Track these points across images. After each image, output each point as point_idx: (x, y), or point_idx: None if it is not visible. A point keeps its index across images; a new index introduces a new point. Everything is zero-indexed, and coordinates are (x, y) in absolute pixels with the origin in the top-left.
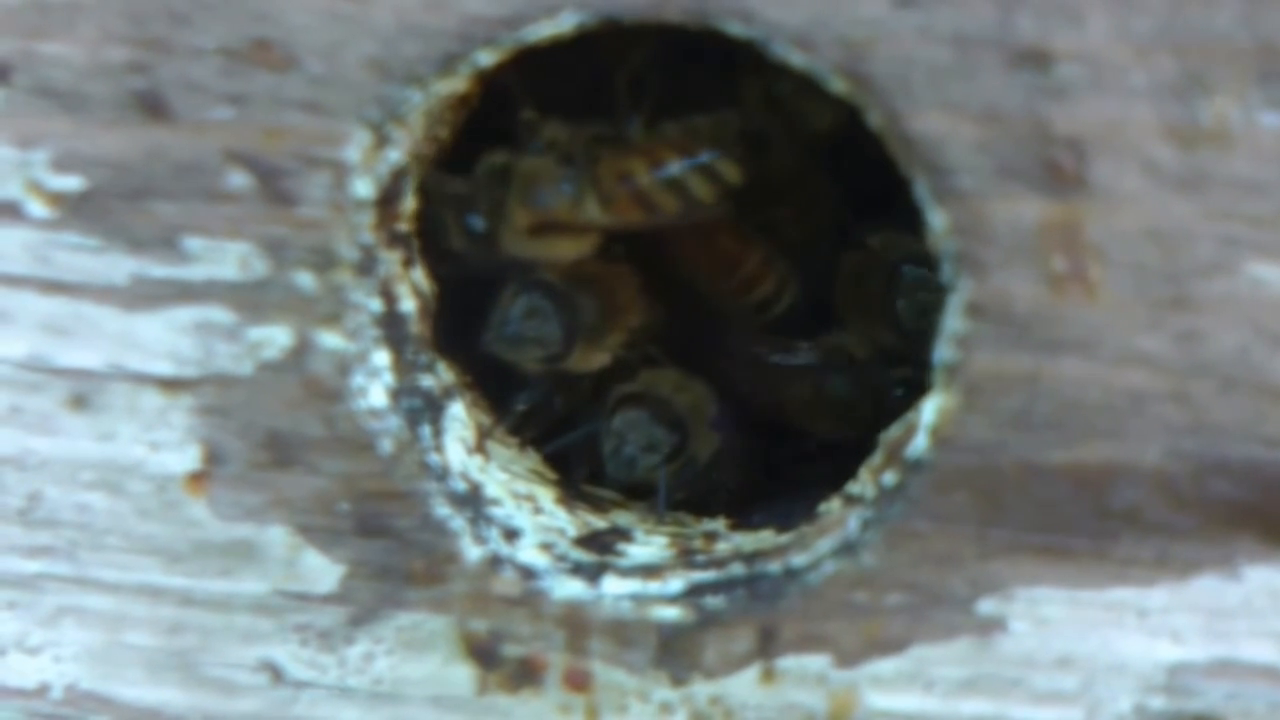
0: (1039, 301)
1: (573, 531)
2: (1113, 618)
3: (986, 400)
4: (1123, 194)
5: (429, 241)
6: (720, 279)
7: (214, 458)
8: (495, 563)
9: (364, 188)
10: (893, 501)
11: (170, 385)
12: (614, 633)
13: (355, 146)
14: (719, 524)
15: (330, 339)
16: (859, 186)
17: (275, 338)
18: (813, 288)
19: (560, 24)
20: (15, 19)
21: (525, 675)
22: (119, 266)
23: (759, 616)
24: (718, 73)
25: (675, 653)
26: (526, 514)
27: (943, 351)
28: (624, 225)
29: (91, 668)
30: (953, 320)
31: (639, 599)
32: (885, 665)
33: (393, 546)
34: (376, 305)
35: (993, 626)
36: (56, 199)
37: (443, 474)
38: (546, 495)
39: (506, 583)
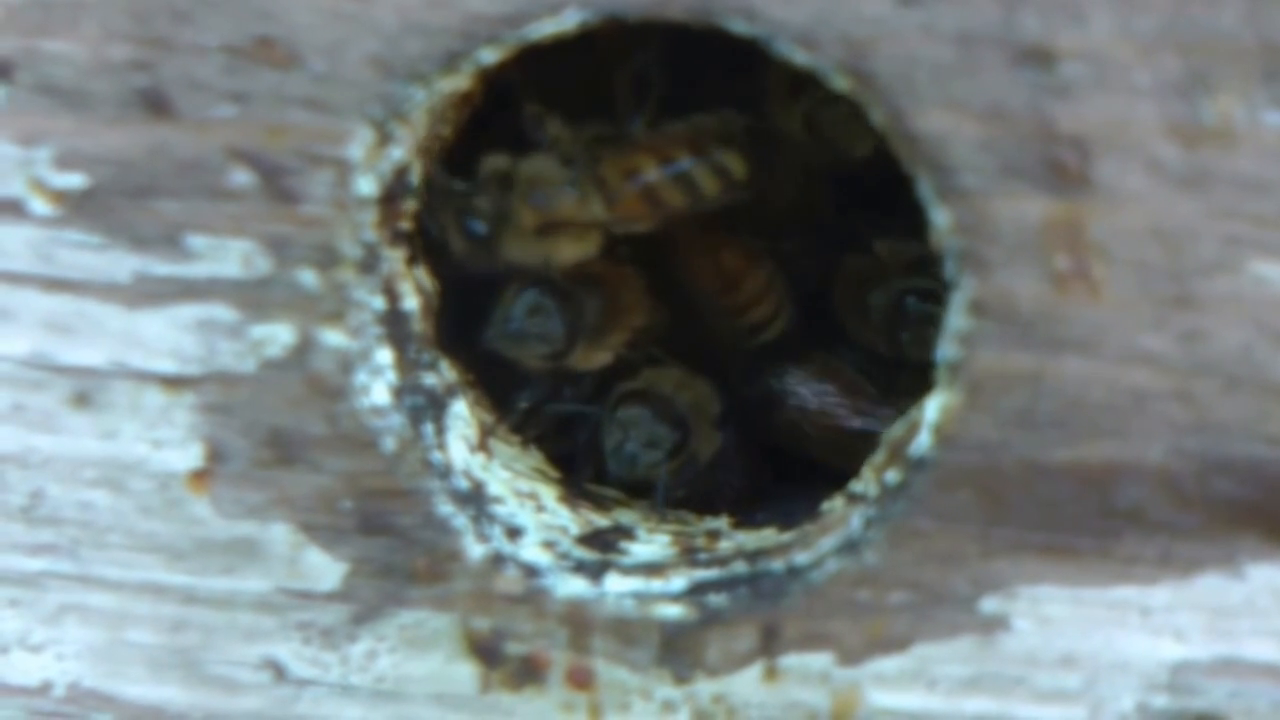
0: (1042, 300)
1: (575, 530)
2: (1116, 616)
3: (990, 399)
4: (1126, 192)
5: (429, 240)
6: (720, 296)
7: (216, 455)
8: (498, 561)
9: (367, 185)
10: (896, 500)
11: (173, 383)
12: (617, 631)
13: (358, 144)
14: (722, 522)
15: (333, 337)
16: (858, 186)
17: (278, 335)
18: (810, 290)
19: (563, 22)
20: (18, 17)
21: (528, 673)
22: (122, 264)
23: (762, 615)
24: (718, 74)
25: (678, 651)
26: (529, 512)
27: (946, 349)
28: (629, 222)
29: (94, 666)
30: (956, 318)
31: (642, 597)
32: (888, 664)
33: (395, 544)
34: (379, 303)
35: (996, 625)
36: (59, 197)
37: (445, 472)
38: (549, 493)
39: (509, 581)
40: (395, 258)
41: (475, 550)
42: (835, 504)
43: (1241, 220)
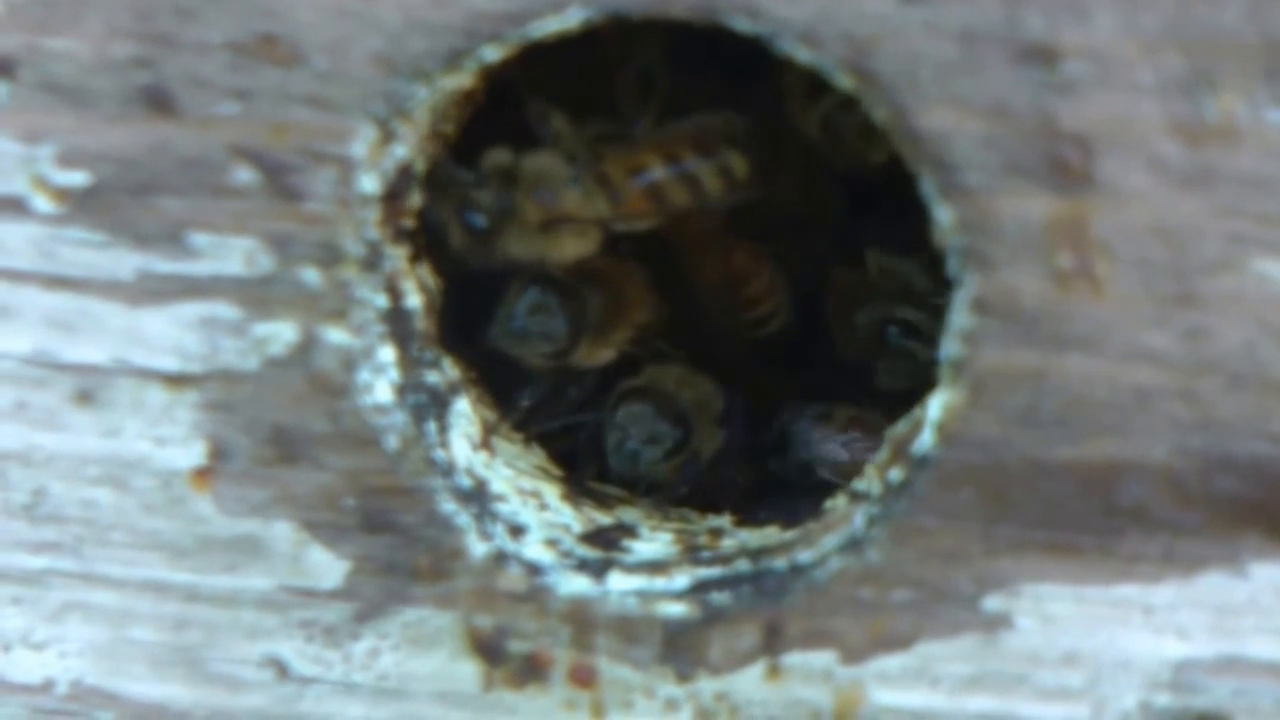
0: (1046, 298)
1: (578, 528)
2: (1119, 614)
3: (993, 397)
4: (1129, 190)
5: (432, 238)
6: (724, 292)
7: (219, 453)
8: (501, 559)
9: (370, 183)
10: (899, 498)
11: (176, 381)
12: (619, 629)
13: (361, 142)
14: (725, 520)
15: (336, 335)
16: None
17: (281, 333)
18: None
19: (567, 19)
20: (21, 14)
21: (531, 671)
22: (124, 262)
23: (764, 613)
24: (719, 75)
25: (681, 649)
26: (532, 510)
27: (949, 347)
28: (633, 220)
29: (96, 663)
30: (959, 316)
31: (644, 595)
32: (891, 662)
33: (398, 542)
34: (382, 301)
35: (999, 623)
36: (62, 194)
37: (448, 470)
38: (552, 491)
39: (512, 579)
40: (398, 255)
41: (478, 548)
42: (838, 502)
43: (1244, 218)
